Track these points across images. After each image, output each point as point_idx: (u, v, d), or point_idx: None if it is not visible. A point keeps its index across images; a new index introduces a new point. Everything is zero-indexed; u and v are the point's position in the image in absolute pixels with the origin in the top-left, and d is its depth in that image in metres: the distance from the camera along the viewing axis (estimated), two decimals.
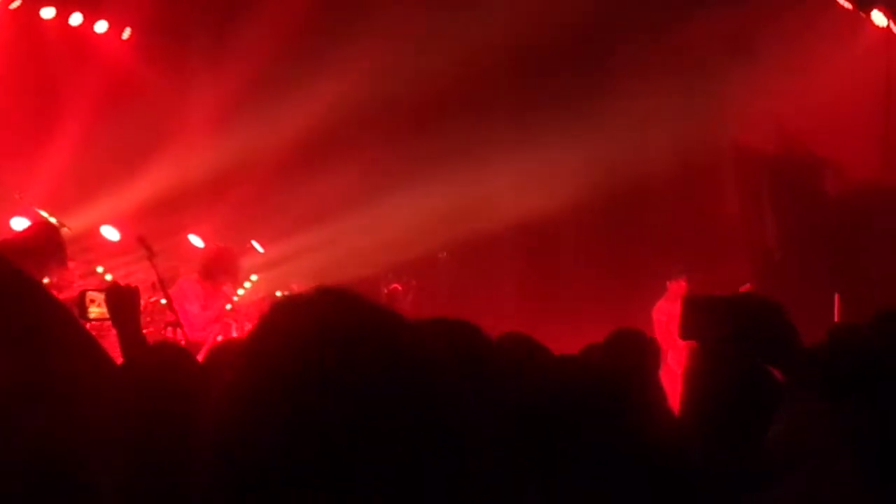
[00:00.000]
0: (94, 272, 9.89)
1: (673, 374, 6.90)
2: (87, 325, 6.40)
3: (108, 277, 10.00)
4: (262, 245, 11.46)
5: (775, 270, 11.98)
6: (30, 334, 2.28)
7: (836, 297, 10.14)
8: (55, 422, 2.14)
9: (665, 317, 10.56)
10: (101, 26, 12.28)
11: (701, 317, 3.02)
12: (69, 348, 2.20)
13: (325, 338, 1.36)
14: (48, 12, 11.80)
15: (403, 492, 1.31)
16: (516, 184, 12.20)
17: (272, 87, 12.07)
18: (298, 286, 12.41)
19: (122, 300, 4.29)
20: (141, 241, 7.54)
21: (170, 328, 7.57)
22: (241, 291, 11.94)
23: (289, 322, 1.41)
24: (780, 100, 11.56)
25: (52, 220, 9.11)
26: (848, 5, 11.17)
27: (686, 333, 3.08)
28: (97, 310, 5.07)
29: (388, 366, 1.35)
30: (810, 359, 2.79)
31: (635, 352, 4.31)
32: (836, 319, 9.77)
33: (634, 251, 12.32)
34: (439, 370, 1.43)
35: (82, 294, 5.26)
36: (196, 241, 10.98)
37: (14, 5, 11.48)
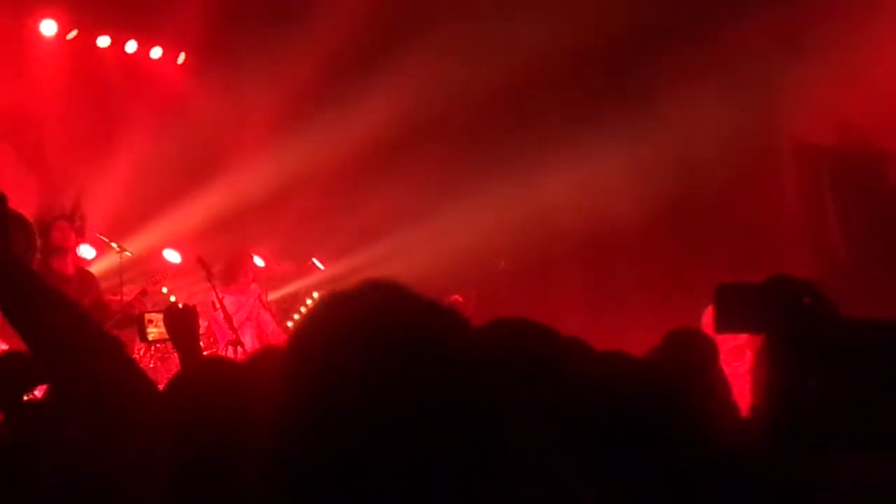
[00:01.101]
0: (160, 293, 10.01)
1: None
2: (148, 347, 6.50)
3: (172, 299, 10.12)
4: (323, 262, 11.54)
5: (840, 268, 11.78)
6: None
7: None
8: (90, 437, 2.15)
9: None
10: (155, 52, 12.47)
11: (733, 306, 2.94)
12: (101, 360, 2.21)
13: (370, 333, 1.34)
14: (104, 41, 12.00)
15: (452, 493, 1.29)
16: (572, 192, 12.13)
17: (326, 104, 12.14)
18: None
19: (180, 320, 4.31)
20: (200, 262, 7.63)
21: (230, 347, 7.63)
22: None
23: (332, 317, 1.38)
24: (838, 92, 11.38)
25: (114, 245, 9.25)
26: None
27: (720, 326, 3.00)
28: (156, 331, 5.13)
29: (433, 365, 1.33)
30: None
31: (692, 350, 4.26)
32: None
33: (693, 257, 12.17)
34: (489, 369, 1.40)
35: (141, 316, 5.32)
36: (258, 260, 11.02)
37: (71, 35, 11.68)
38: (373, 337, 1.34)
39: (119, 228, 10.00)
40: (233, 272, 9.20)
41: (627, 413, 2.31)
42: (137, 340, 7.66)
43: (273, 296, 11.33)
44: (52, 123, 11.43)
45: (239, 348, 7.43)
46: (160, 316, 4.65)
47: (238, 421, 1.54)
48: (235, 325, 7.97)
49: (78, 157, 11.17)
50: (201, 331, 8.30)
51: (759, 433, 2.85)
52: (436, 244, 11.93)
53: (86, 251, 10.23)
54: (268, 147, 12.94)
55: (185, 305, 4.31)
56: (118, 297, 7.97)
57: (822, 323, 2.78)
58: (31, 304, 2.10)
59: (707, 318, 10.64)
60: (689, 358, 4.21)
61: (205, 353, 8.04)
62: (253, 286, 9.41)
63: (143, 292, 7.95)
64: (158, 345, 5.49)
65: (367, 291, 1.41)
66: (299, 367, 1.37)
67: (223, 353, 7.94)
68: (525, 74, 11.98)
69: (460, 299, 10.57)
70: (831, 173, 12.22)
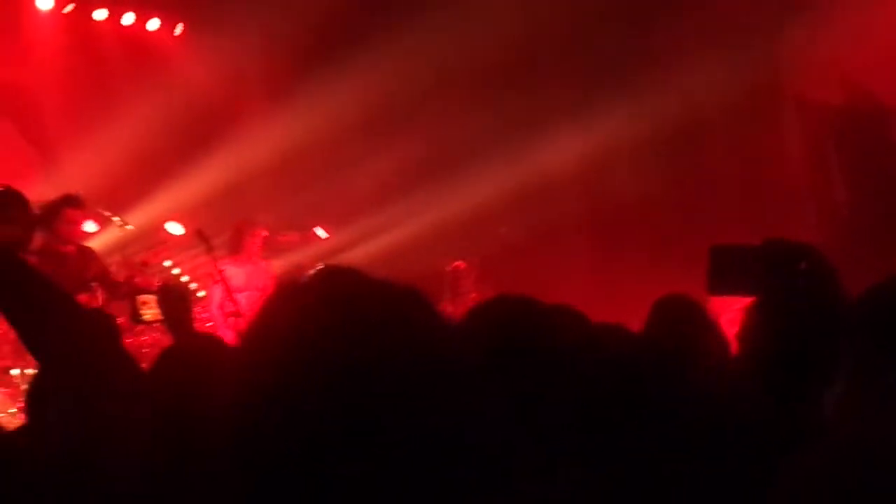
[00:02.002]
0: (162, 266, 9.99)
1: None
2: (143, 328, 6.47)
3: (176, 272, 10.12)
4: (326, 231, 11.52)
5: (845, 227, 11.72)
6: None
7: None
8: (74, 417, 2.14)
9: None
10: (153, 24, 12.41)
11: (726, 268, 2.90)
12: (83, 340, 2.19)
13: (324, 323, 1.31)
14: (101, 14, 11.95)
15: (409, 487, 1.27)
16: (575, 158, 12.07)
17: (325, 70, 12.06)
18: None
19: (174, 300, 4.28)
20: (199, 235, 7.61)
21: (231, 319, 7.61)
22: None
23: (289, 306, 1.36)
24: (843, 49, 11.28)
25: (116, 219, 9.23)
26: None
27: (713, 288, 2.97)
28: (150, 312, 5.10)
29: (394, 351, 1.31)
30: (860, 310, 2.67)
31: (680, 316, 4.23)
32: None
33: (698, 220, 12.11)
34: (455, 354, 1.38)
35: (134, 297, 5.31)
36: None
37: (68, 9, 11.63)
38: (330, 324, 1.31)
39: (119, 201, 9.96)
40: (238, 242, 9.19)
41: (617, 386, 2.29)
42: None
43: (277, 265, 11.32)
44: (50, 97, 11.41)
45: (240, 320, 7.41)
46: (153, 297, 4.62)
47: (212, 403, 1.51)
48: (241, 297, 7.99)
49: (77, 130, 11.14)
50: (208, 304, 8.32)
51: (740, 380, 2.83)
52: (438, 210, 11.89)
53: (87, 226, 10.22)
54: (267, 116, 12.90)
55: (177, 285, 4.30)
56: (121, 271, 7.95)
57: (818, 287, 2.75)
58: (16, 294, 2.08)
59: None
60: (678, 325, 4.19)
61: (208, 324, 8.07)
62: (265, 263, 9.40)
63: (144, 264, 7.94)
64: (152, 325, 5.48)
65: (323, 279, 1.39)
66: (256, 358, 1.35)
67: (223, 326, 7.95)
68: (531, 39, 11.91)
69: (463, 265, 10.56)
70: (836, 132, 12.14)
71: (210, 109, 11.95)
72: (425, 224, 11.82)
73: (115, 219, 9.28)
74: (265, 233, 10.03)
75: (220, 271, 7.37)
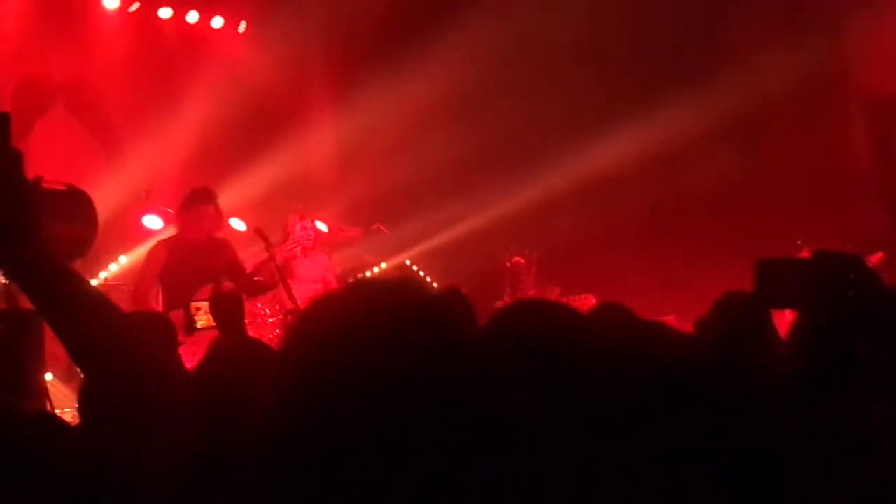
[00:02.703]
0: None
1: None
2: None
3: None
4: (388, 227, 11.56)
5: None
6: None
7: None
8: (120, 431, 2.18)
9: None
10: (217, 22, 12.55)
11: (775, 281, 2.87)
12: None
13: (358, 332, 1.35)
14: (165, 12, 12.09)
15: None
16: (641, 156, 11.97)
17: (387, 63, 12.11)
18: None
19: (226, 307, 4.34)
20: (259, 233, 7.70)
21: (290, 316, 7.68)
22: None
23: (327, 314, 1.41)
24: None
25: None
26: None
27: (761, 301, 2.95)
28: (204, 319, 5.17)
29: (418, 363, 1.34)
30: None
31: (741, 315, 4.19)
32: None
33: (764, 210, 11.98)
34: (488, 363, 1.40)
35: (187, 305, 5.39)
36: (321, 226, 11.12)
37: (133, 8, 11.79)
38: (364, 334, 1.35)
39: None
40: (282, 231, 9.31)
41: (657, 390, 2.28)
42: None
43: (338, 260, 11.40)
44: (116, 95, 11.56)
45: None
46: (206, 304, 4.68)
47: (252, 405, 1.55)
48: (302, 288, 8.08)
49: (142, 128, 11.29)
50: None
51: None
52: (499, 205, 11.89)
53: (153, 222, 10.38)
54: (330, 112, 12.98)
55: (230, 292, 4.34)
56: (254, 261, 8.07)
57: (867, 300, 2.72)
58: (60, 302, 2.11)
59: None
60: (738, 324, 4.15)
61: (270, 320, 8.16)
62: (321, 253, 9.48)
63: (271, 258, 8.08)
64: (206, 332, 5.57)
65: (360, 289, 1.43)
66: (293, 362, 1.39)
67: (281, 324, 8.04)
68: (595, 31, 11.85)
69: (522, 261, 10.56)
70: None
71: (274, 106, 12.05)
72: (486, 219, 11.83)
73: None
74: (323, 228, 10.11)
75: (279, 269, 7.45)
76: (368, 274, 12.39)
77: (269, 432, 1.36)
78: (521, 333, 2.18)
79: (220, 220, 8.15)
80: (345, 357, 1.34)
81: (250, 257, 9.71)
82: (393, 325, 1.36)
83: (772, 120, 12.09)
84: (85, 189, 2.49)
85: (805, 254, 10.53)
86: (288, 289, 7.36)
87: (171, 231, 8.66)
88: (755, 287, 2.88)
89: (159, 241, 8.32)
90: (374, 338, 1.35)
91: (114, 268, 10.39)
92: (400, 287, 1.44)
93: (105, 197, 8.13)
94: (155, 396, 2.23)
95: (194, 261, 7.73)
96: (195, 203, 7.93)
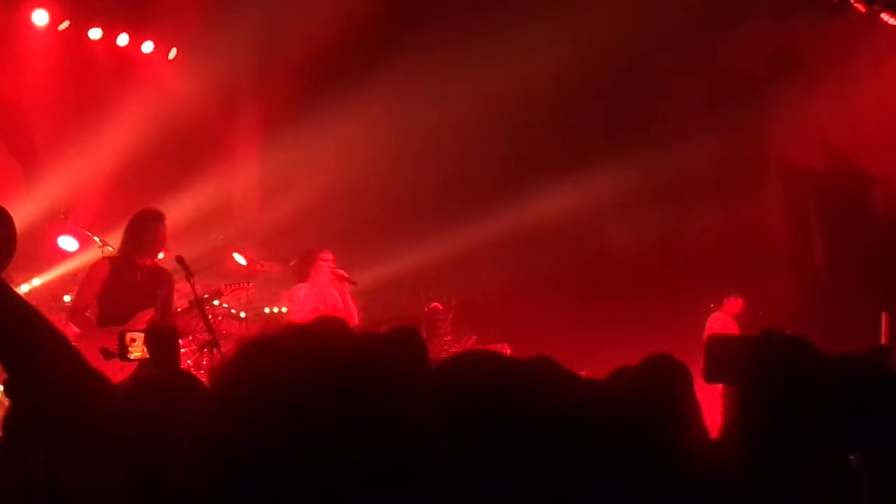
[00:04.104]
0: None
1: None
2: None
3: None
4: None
5: (822, 289, 11.83)
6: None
7: (885, 316, 9.96)
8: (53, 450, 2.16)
9: (719, 326, 10.58)
10: (147, 46, 12.44)
11: (724, 358, 2.95)
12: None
13: (289, 378, 1.36)
14: (95, 33, 11.96)
15: None
16: (563, 213, 12.10)
17: (317, 104, 12.10)
18: None
19: (161, 340, 4.29)
20: (179, 262, 7.62)
21: (206, 349, 7.60)
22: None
23: (257, 362, 1.40)
24: (826, 115, 11.42)
25: (97, 239, 9.21)
26: (893, 21, 11.02)
27: (709, 376, 3.02)
28: (138, 350, 5.10)
29: (347, 414, 1.34)
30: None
31: (666, 379, 4.24)
32: (883, 340, 9.59)
33: (680, 275, 12.20)
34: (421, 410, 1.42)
35: (122, 334, 5.30)
36: (240, 259, 11.09)
37: (63, 26, 11.65)
38: (294, 380, 1.37)
39: (104, 223, 9.93)
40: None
41: (596, 441, 2.30)
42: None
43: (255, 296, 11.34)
44: (41, 112, 11.40)
45: (214, 350, 7.42)
46: (141, 335, 4.63)
47: (179, 439, 1.55)
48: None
49: (65, 149, 11.13)
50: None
51: (729, 457, 2.85)
52: (420, 251, 11.90)
53: (68, 243, 10.20)
54: (256, 144, 12.92)
55: (165, 326, 4.30)
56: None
57: (809, 380, 2.78)
58: None
59: (711, 323, 10.77)
60: (666, 385, 4.19)
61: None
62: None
63: (218, 293, 8.02)
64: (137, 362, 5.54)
65: (295, 334, 1.44)
66: (224, 401, 1.39)
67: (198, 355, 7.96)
68: (527, 94, 11.98)
69: (441, 307, 10.60)
70: (818, 196, 12.28)
71: (200, 134, 11.98)
72: (407, 264, 11.82)
73: (97, 239, 9.25)
74: (241, 262, 10.08)
75: (198, 299, 7.37)
76: (285, 311, 12.33)
77: (196, 464, 1.36)
78: (465, 385, 2.19)
79: (165, 242, 8.08)
80: (277, 400, 1.34)
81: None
82: (329, 374, 1.37)
83: (696, 186, 12.34)
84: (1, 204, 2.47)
85: (739, 300, 10.80)
86: (207, 321, 7.28)
87: (107, 252, 8.53)
88: (705, 362, 2.95)
89: (104, 257, 8.17)
90: (307, 383, 1.35)
91: (25, 288, 10.19)
92: (338, 336, 1.45)
93: (22, 216, 7.95)
94: (86, 416, 2.19)
95: (137, 283, 7.61)
96: (150, 222, 7.79)
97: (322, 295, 9.26)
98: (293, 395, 1.34)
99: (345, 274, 9.52)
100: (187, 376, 2.82)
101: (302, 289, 9.14)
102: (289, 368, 1.37)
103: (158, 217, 7.83)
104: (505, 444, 2.16)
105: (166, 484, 1.64)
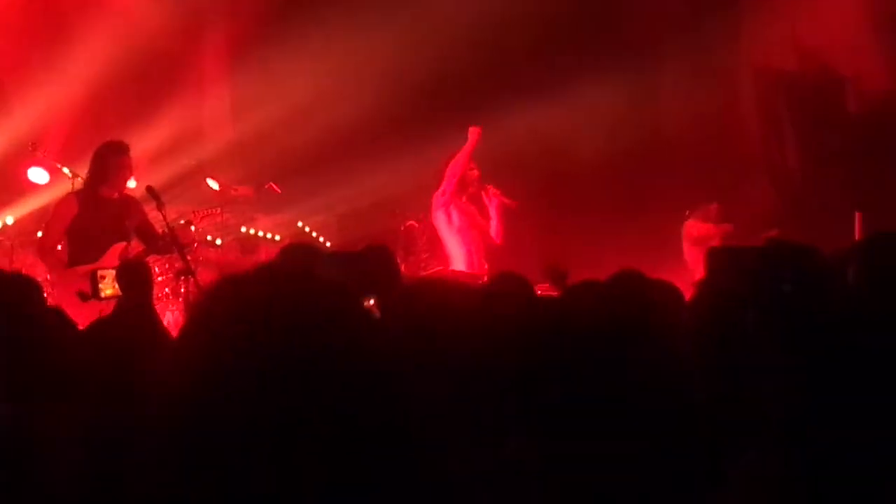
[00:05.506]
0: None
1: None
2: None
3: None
4: (280, 186, 11.48)
5: (797, 195, 11.87)
6: None
7: (858, 215, 10.02)
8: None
9: (696, 232, 10.62)
10: None
11: (728, 270, 2.93)
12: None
13: (257, 318, 1.37)
14: None
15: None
16: (537, 128, 12.05)
17: (288, 25, 11.96)
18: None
19: (133, 276, 4.27)
20: (150, 191, 7.56)
21: (181, 276, 7.58)
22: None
23: (227, 298, 1.42)
24: (797, 19, 11.36)
25: (66, 170, 9.15)
26: None
27: (711, 289, 3.01)
28: (110, 287, 5.08)
29: (314, 348, 1.35)
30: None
31: (631, 296, 4.25)
32: (857, 238, 9.64)
33: (655, 182, 12.21)
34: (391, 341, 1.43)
35: (93, 273, 5.27)
36: (213, 184, 11.06)
37: None
38: (263, 320, 1.37)
39: (74, 153, 9.84)
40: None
41: (561, 354, 2.29)
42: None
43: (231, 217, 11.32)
44: (3, 44, 11.21)
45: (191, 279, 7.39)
46: (112, 272, 4.61)
47: (145, 384, 1.55)
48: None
49: (31, 80, 10.99)
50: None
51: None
52: (395, 169, 11.85)
53: (38, 175, 10.13)
54: (226, 68, 12.78)
55: (136, 261, 4.28)
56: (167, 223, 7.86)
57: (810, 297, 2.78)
58: None
59: (688, 230, 10.82)
60: (640, 298, 4.20)
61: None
62: None
63: (188, 223, 7.96)
64: (111, 300, 5.47)
65: (261, 274, 1.44)
66: (192, 347, 1.40)
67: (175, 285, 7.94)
68: (499, 12, 11.86)
69: (416, 225, 10.59)
70: (790, 100, 12.25)
71: (169, 59, 11.83)
72: (381, 182, 11.78)
73: (66, 171, 9.20)
74: (214, 187, 10.07)
75: (170, 228, 7.33)
76: (261, 234, 12.32)
77: (164, 412, 1.37)
78: (421, 313, 2.21)
79: (132, 174, 8.01)
80: (244, 344, 1.35)
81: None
82: (294, 314, 1.38)
83: (668, 93, 12.28)
84: None
85: (715, 206, 10.86)
86: (180, 250, 7.24)
87: (77, 184, 8.46)
88: (706, 275, 2.94)
89: (70, 193, 8.10)
90: (274, 326, 1.36)
91: None
92: (301, 275, 1.45)
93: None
94: (42, 360, 2.20)
95: (106, 217, 7.55)
96: (114, 155, 7.70)
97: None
98: (255, 334, 1.35)
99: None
100: (142, 315, 2.83)
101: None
102: (255, 310, 1.38)
103: (122, 148, 7.75)
104: (467, 364, 2.19)
105: (129, 433, 1.65)
